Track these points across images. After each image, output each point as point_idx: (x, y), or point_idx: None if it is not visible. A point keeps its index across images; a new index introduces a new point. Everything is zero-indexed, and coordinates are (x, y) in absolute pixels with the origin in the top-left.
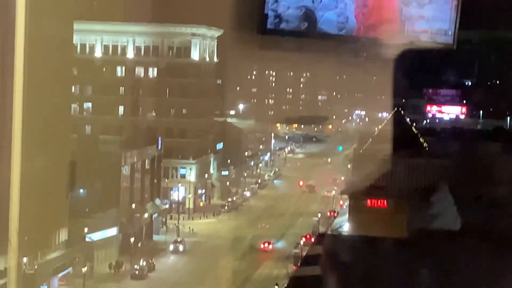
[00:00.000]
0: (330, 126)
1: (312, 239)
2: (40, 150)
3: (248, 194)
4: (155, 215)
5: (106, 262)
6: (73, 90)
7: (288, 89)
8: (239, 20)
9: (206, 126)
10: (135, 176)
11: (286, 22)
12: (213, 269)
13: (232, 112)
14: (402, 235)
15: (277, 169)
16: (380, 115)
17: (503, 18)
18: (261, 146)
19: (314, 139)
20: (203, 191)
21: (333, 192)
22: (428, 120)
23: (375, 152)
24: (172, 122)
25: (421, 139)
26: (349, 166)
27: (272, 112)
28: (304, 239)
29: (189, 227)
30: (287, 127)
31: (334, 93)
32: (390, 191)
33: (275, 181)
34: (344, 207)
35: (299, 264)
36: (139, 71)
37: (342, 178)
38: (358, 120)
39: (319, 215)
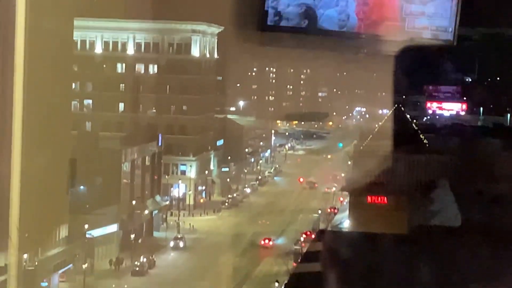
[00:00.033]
0: (330, 123)
1: (313, 236)
2: (41, 146)
3: (248, 190)
4: (155, 212)
5: (107, 258)
6: (73, 87)
7: (288, 86)
8: (239, 17)
9: (207, 123)
10: (135, 173)
11: (286, 19)
12: (213, 266)
13: (233, 109)
14: (402, 231)
15: (277, 166)
16: (380, 111)
17: (504, 15)
18: (261, 143)
19: (314, 135)
20: (204, 187)
21: (334, 188)
22: (428, 117)
23: (375, 148)
24: (173, 119)
25: (421, 136)
26: (349, 162)
27: (273, 109)
28: (304, 235)
29: (190, 224)
30: (288, 124)
31: (335, 90)
32: (390, 188)
33: (275, 177)
34: (345, 203)
35: (299, 260)
36: (140, 67)
37: (343, 174)
38: (358, 117)
39: (320, 211)
